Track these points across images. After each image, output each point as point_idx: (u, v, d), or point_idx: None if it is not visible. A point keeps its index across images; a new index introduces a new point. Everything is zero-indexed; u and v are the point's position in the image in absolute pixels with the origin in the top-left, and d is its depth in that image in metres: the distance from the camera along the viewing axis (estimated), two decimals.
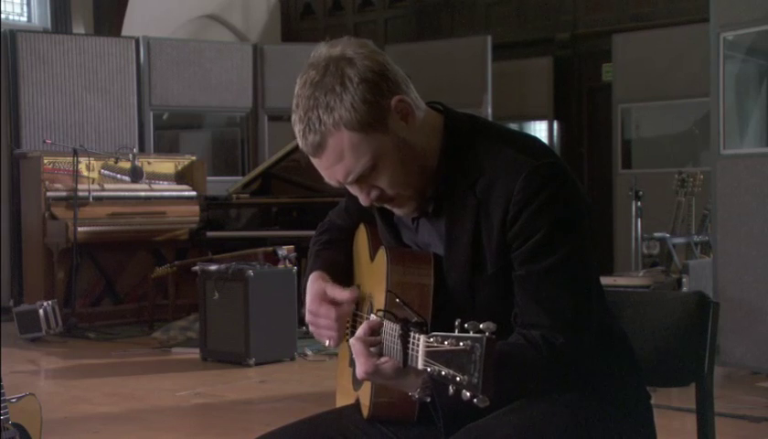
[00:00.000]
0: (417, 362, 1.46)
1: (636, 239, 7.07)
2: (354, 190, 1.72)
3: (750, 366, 5.27)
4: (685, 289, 5.44)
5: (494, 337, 1.36)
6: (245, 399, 5.07)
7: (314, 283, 1.87)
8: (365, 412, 1.81)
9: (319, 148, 1.63)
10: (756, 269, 5.12)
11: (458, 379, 1.37)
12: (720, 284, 5.27)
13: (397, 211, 1.77)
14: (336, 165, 1.65)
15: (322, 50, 1.66)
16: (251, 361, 5.90)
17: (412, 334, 1.50)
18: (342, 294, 1.81)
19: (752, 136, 5.65)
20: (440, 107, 1.77)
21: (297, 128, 1.65)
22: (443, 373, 1.39)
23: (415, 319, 1.54)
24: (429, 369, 1.42)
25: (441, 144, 1.71)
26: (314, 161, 1.68)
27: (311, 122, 1.62)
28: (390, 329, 1.59)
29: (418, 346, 1.47)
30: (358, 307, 1.92)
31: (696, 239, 6.61)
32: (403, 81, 1.67)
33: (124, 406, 4.95)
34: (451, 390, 1.38)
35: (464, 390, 1.36)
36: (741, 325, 5.14)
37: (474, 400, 1.36)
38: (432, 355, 1.41)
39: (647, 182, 7.96)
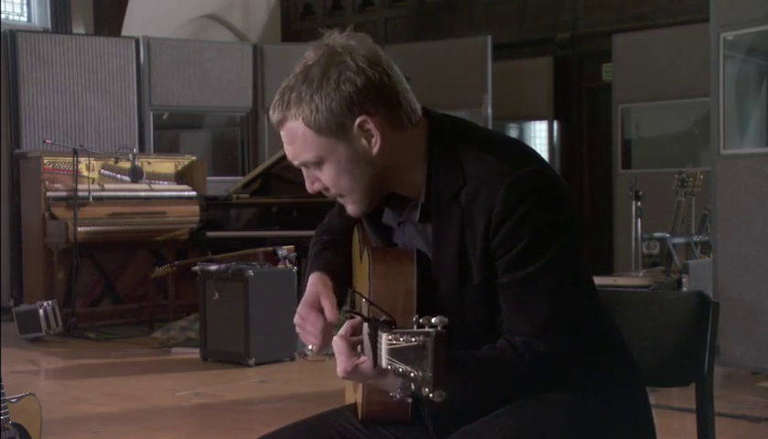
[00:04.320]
0: (382, 360, 1.45)
1: (636, 239, 7.07)
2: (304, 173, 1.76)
3: (750, 366, 5.27)
4: (685, 289, 5.43)
5: (444, 331, 1.35)
6: (245, 399, 5.07)
7: (313, 286, 1.86)
8: (359, 413, 1.81)
9: (279, 124, 1.70)
10: (756, 269, 5.12)
11: (413, 375, 1.36)
12: (720, 284, 5.27)
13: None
14: (288, 146, 1.71)
15: (335, 37, 1.68)
16: (251, 361, 5.90)
17: (379, 332, 1.48)
18: (328, 309, 1.78)
19: (751, 136, 5.65)
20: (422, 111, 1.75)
21: (276, 96, 1.70)
22: (401, 370, 1.38)
23: (383, 318, 1.51)
24: (390, 367, 1.41)
25: (425, 150, 1.71)
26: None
27: (283, 98, 1.67)
28: (366, 328, 1.58)
29: (382, 344, 1.45)
30: (354, 307, 1.91)
31: (696, 239, 6.60)
32: (394, 95, 1.66)
33: (124, 406, 4.95)
34: (412, 386, 1.37)
35: (422, 387, 1.35)
36: (741, 325, 5.14)
37: (431, 395, 1.34)
38: (393, 353, 1.40)
39: (647, 182, 7.95)
